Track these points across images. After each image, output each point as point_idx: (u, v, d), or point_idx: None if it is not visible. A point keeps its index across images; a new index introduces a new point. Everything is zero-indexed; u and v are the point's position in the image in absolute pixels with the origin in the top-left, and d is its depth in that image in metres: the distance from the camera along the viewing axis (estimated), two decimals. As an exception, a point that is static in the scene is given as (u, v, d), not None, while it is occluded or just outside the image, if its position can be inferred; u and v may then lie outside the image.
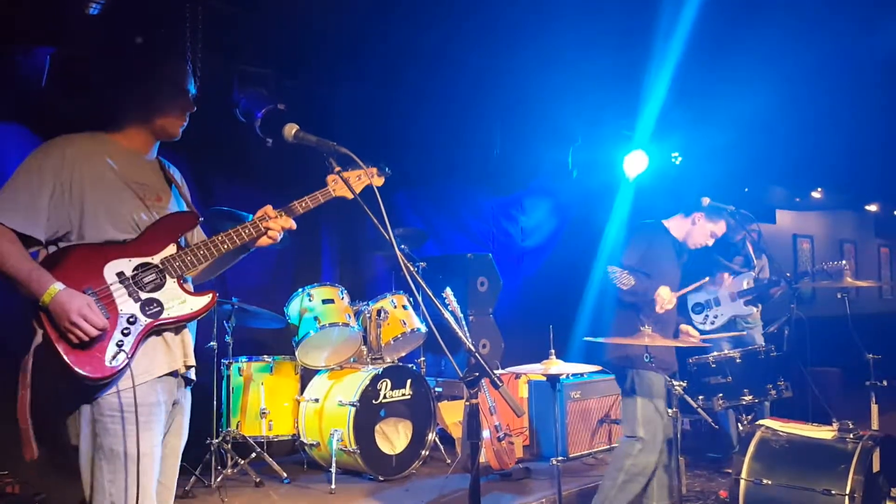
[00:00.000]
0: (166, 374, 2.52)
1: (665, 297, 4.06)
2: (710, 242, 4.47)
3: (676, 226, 4.47)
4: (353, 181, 2.71)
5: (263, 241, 2.70)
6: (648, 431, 4.06)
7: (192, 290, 2.59)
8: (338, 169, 2.57)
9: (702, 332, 6.13)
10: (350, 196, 2.66)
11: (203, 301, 2.57)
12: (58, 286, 2.30)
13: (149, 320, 2.45)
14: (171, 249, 2.56)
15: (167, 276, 2.51)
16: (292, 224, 2.72)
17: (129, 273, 2.46)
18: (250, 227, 2.66)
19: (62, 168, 2.44)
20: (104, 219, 2.46)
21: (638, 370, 4.09)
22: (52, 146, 2.49)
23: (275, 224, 2.68)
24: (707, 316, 6.23)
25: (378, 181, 2.78)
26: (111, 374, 2.35)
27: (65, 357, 2.30)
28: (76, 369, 2.30)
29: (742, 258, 6.24)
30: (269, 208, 2.70)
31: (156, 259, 2.52)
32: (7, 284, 2.33)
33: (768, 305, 6.17)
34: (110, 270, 2.44)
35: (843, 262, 5.34)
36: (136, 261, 2.48)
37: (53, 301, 2.28)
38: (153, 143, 2.68)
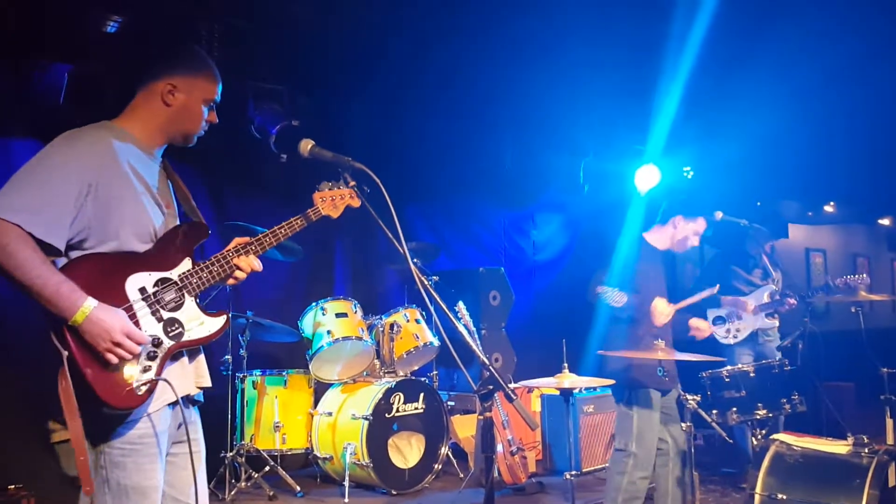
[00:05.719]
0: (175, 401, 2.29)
1: (661, 310, 4.02)
2: (697, 242, 4.41)
3: (657, 237, 4.40)
4: (337, 200, 2.62)
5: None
6: (642, 447, 4.02)
7: (206, 309, 2.35)
8: (325, 187, 2.61)
9: (723, 346, 6.10)
10: (335, 216, 2.62)
11: (219, 323, 2.35)
12: (91, 303, 2.04)
13: (172, 343, 2.22)
14: (187, 264, 2.31)
15: (186, 294, 2.28)
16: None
17: (150, 289, 2.21)
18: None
19: (91, 167, 2.14)
20: (129, 227, 2.19)
21: (637, 385, 4.07)
22: (76, 140, 2.17)
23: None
24: (729, 330, 6.12)
25: (354, 202, 2.63)
26: (139, 405, 2.12)
27: (92, 385, 2.05)
28: (103, 399, 2.06)
29: (761, 270, 6.21)
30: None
31: (174, 274, 2.27)
32: (27, 297, 2.02)
33: (782, 319, 6.16)
34: (132, 285, 2.18)
35: (865, 275, 5.32)
36: (156, 275, 2.23)
37: (88, 320, 2.03)
38: (163, 145, 2.42)
